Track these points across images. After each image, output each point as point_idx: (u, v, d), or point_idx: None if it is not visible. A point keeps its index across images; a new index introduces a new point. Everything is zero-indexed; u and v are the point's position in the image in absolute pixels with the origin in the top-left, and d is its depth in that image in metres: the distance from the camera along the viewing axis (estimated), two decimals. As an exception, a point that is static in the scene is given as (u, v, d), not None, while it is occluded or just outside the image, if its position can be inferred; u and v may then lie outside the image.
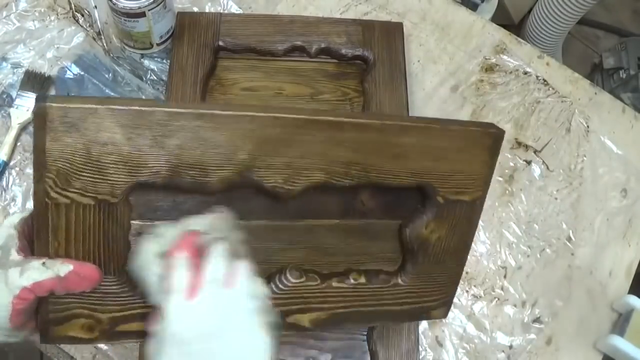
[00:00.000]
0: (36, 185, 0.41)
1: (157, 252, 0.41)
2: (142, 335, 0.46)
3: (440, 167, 0.49)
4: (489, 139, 0.50)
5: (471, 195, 0.51)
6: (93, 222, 0.42)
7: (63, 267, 0.41)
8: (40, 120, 0.39)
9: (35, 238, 0.42)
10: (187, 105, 0.45)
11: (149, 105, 0.42)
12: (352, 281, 0.51)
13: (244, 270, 0.40)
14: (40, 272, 0.40)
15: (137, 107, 0.41)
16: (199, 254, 0.40)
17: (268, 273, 0.50)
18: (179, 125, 0.42)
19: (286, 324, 0.49)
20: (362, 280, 0.51)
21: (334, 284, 0.50)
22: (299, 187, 0.47)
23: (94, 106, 0.40)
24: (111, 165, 0.42)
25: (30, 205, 0.66)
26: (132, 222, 0.45)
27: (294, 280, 0.49)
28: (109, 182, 0.42)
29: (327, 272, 0.51)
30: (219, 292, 0.38)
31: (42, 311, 0.43)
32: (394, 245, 0.54)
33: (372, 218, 0.53)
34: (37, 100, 0.40)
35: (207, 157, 0.43)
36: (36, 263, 0.40)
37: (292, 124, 0.45)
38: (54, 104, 0.39)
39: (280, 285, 0.49)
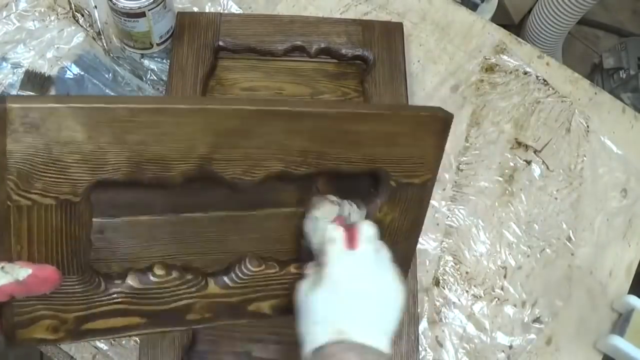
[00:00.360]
0: None
1: (331, 214, 0.49)
2: (108, 333, 0.46)
3: (393, 152, 0.51)
4: (438, 123, 0.52)
5: (422, 177, 0.53)
6: (55, 222, 0.42)
7: (22, 272, 0.40)
8: (0, 121, 0.39)
9: None
10: (147, 99, 0.45)
11: (109, 102, 0.42)
12: None
13: (383, 243, 0.48)
14: None
15: (97, 105, 0.41)
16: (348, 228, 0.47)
17: (227, 263, 0.50)
18: (139, 121, 0.42)
19: (247, 312, 0.50)
20: None
21: (293, 269, 0.51)
22: (258, 178, 0.47)
23: (54, 105, 0.40)
24: (73, 165, 0.41)
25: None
26: (93, 219, 0.45)
27: (253, 269, 0.49)
28: (70, 181, 0.41)
29: (285, 259, 0.51)
30: (371, 248, 0.46)
31: (7, 315, 0.43)
32: None
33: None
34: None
35: (168, 151, 0.43)
36: None
37: (250, 116, 0.45)
38: (14, 105, 0.39)
39: (240, 275, 0.49)
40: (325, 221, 0.47)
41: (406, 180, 0.52)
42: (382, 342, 0.43)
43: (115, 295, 0.46)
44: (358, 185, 0.54)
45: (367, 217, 0.53)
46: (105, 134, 0.41)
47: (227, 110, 0.45)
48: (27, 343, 0.44)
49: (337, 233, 0.46)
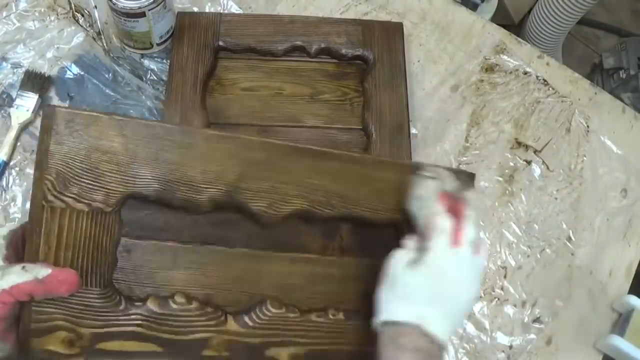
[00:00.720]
0: (35, 186, 0.42)
1: (435, 190, 0.48)
2: (122, 357, 0.46)
3: None
4: (458, 177, 0.53)
5: None
6: (85, 229, 0.43)
7: (42, 271, 0.41)
8: (47, 122, 0.42)
9: (27, 241, 0.43)
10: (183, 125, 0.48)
11: (150, 121, 0.45)
12: (330, 317, 0.51)
13: (484, 243, 0.49)
14: (19, 276, 0.41)
15: (137, 119, 0.45)
16: (455, 210, 0.47)
17: (248, 304, 0.50)
18: (174, 140, 0.45)
19: (265, 358, 0.49)
20: (341, 316, 0.51)
21: (313, 318, 0.51)
22: (282, 214, 0.49)
23: (98, 114, 0.43)
24: (108, 174, 0.43)
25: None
26: (122, 238, 0.47)
27: (274, 311, 0.49)
28: (104, 190, 0.43)
29: (306, 308, 0.51)
30: (470, 251, 0.47)
31: (25, 319, 0.43)
32: (371, 287, 0.53)
33: (349, 255, 0.54)
34: (44, 103, 0.42)
35: (199, 174, 0.46)
36: (16, 267, 0.41)
37: (278, 149, 0.48)
38: (62, 109, 0.42)
39: (261, 315, 0.49)
40: (429, 200, 0.47)
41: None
42: (447, 336, 0.45)
43: (134, 317, 0.46)
44: (382, 238, 0.54)
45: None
46: (141, 148, 0.44)
47: (256, 141, 0.48)
48: (40, 355, 0.44)
49: (446, 223, 0.47)
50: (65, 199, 0.43)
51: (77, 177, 0.43)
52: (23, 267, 0.41)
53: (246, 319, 0.49)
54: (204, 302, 0.48)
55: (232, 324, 0.48)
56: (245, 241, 0.51)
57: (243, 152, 0.47)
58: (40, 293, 0.42)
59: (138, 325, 0.46)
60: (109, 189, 0.44)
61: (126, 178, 0.44)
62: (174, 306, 0.47)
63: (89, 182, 0.43)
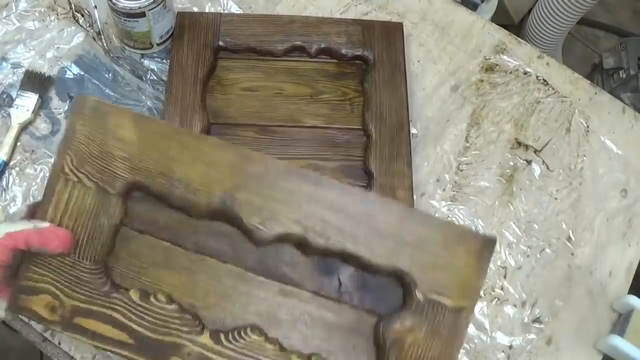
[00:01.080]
0: (58, 157, 0.48)
1: None
2: (94, 338, 0.46)
3: (419, 256, 0.47)
4: (475, 241, 0.48)
5: (455, 301, 0.47)
6: (89, 204, 0.48)
7: (42, 224, 0.46)
8: (77, 106, 0.48)
9: (40, 205, 0.48)
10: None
11: (165, 122, 0.49)
12: None
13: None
14: (22, 224, 0.45)
15: (155, 118, 0.48)
16: None
17: (231, 324, 0.49)
18: (183, 142, 0.48)
19: None
20: None
21: (294, 358, 0.47)
22: (275, 233, 0.47)
23: (121, 107, 0.49)
24: (119, 160, 0.48)
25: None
26: (124, 227, 0.50)
27: (254, 337, 0.47)
28: (113, 174, 0.48)
29: (287, 347, 0.48)
30: None
31: (20, 275, 0.46)
32: (366, 343, 0.50)
33: (347, 302, 0.50)
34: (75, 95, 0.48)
35: (198, 176, 0.48)
36: (23, 221, 0.46)
37: (277, 167, 0.48)
38: (92, 97, 0.48)
39: (239, 338, 0.47)
40: None
41: (436, 297, 0.47)
42: None
43: (114, 301, 0.47)
44: (386, 292, 0.50)
45: (385, 326, 0.48)
46: (150, 144, 0.48)
47: (259, 156, 0.49)
48: (25, 313, 0.47)
49: None
50: (79, 174, 0.48)
51: (92, 158, 0.48)
52: (28, 221, 0.46)
53: (222, 337, 0.47)
54: (185, 309, 0.48)
55: (206, 338, 0.47)
56: (239, 259, 0.51)
57: (243, 163, 0.48)
58: (36, 242, 0.45)
59: (116, 310, 0.47)
60: (116, 174, 0.48)
61: (133, 167, 0.48)
62: (154, 302, 0.47)
63: (102, 164, 0.48)
